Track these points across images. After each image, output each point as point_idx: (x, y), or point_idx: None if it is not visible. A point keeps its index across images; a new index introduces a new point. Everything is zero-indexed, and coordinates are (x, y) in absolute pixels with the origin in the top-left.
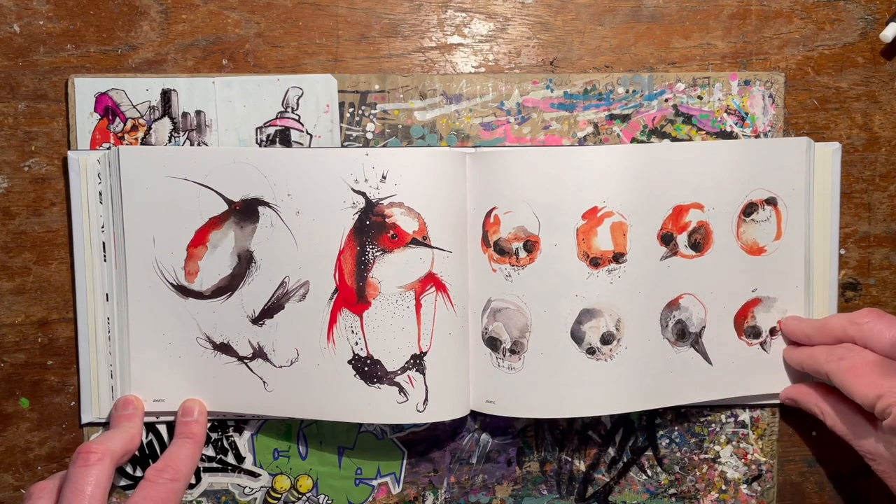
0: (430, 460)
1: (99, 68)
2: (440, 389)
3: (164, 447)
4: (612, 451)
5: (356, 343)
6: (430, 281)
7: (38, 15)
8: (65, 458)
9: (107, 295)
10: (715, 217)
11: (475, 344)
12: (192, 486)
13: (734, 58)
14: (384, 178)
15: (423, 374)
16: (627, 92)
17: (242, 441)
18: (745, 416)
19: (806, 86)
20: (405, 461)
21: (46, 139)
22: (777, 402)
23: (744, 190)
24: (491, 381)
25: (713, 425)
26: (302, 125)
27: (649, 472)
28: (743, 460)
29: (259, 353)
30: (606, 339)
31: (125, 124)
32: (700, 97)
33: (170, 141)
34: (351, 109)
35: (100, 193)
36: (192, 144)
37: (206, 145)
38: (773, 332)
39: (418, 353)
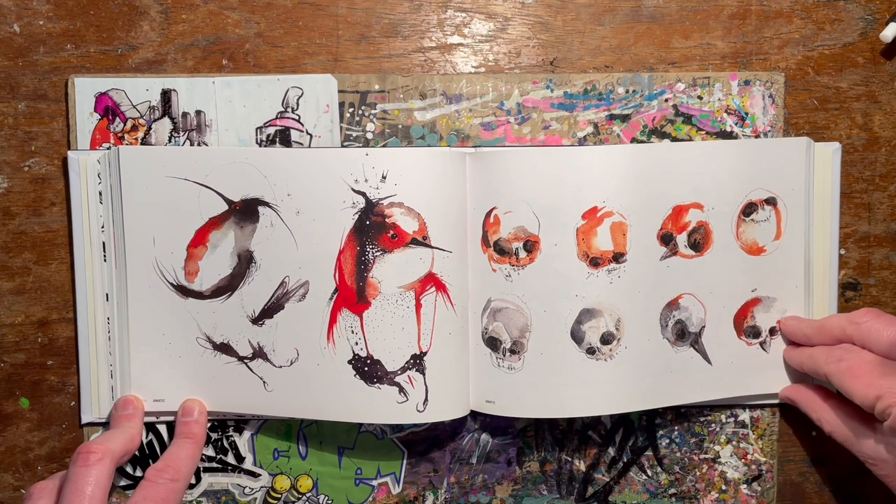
0: (430, 460)
1: (99, 68)
2: (440, 389)
3: (164, 447)
4: (612, 451)
5: (356, 343)
6: (430, 281)
7: (38, 15)
8: (65, 458)
9: (107, 295)
10: (715, 217)
11: (475, 344)
12: (192, 486)
13: (734, 58)
14: (384, 178)
15: (423, 374)
16: (627, 92)
17: (242, 441)
18: (745, 416)
19: (806, 86)
20: (405, 461)
21: (46, 139)
22: (777, 401)
23: (743, 190)
24: (491, 381)
25: (713, 425)
26: (302, 125)
27: (649, 472)
28: (743, 460)
29: (259, 353)
30: (606, 339)
31: (125, 124)
32: (700, 97)
33: (170, 141)
34: (351, 109)
35: (100, 193)
36: (192, 144)
37: (206, 145)
38: (772, 331)
39: (418, 353)
